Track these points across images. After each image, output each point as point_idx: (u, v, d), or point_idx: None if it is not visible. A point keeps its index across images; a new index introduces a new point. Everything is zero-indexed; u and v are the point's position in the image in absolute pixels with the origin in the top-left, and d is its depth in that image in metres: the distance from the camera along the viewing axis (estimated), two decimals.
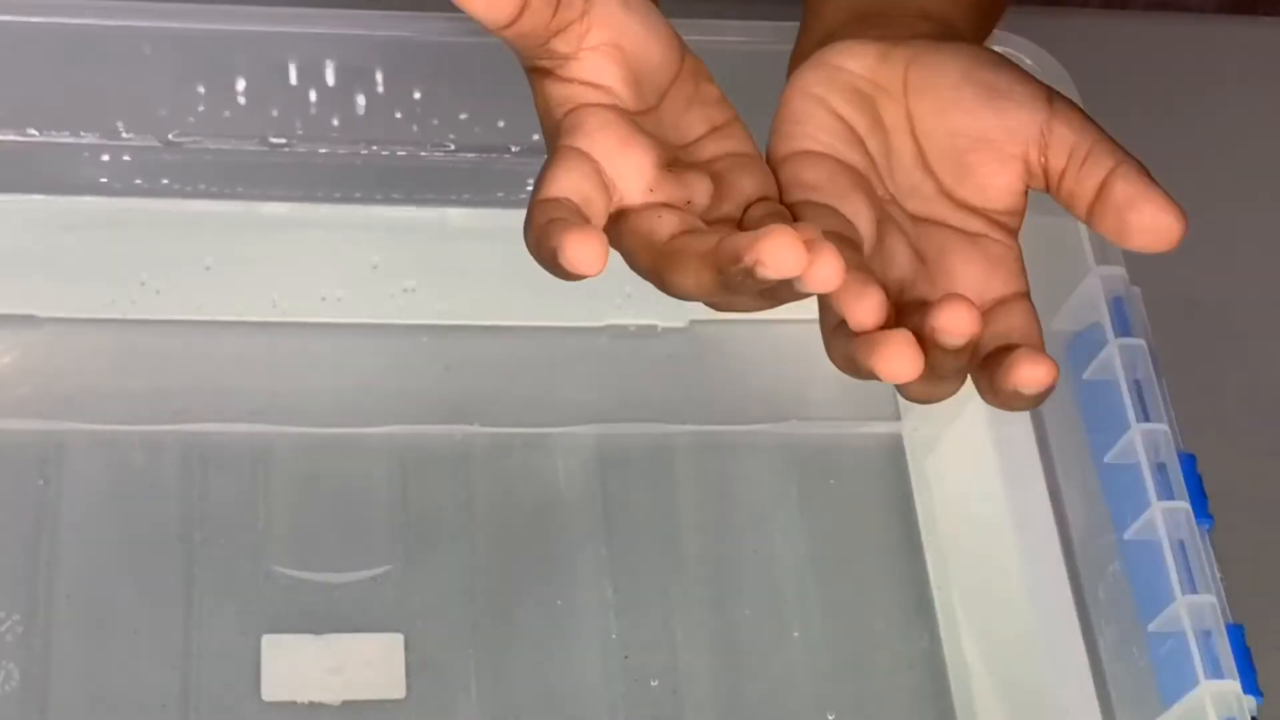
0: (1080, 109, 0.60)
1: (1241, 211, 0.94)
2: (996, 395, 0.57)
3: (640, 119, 0.59)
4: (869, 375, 0.56)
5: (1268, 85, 1.00)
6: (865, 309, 0.55)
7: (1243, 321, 0.91)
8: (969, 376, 0.59)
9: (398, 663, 0.76)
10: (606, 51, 0.58)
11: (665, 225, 0.57)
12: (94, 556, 0.76)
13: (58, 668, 0.74)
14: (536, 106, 0.60)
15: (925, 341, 0.56)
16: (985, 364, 0.58)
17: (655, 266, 0.56)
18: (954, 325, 0.55)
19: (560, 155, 0.57)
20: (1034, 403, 0.57)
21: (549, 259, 0.54)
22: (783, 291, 0.54)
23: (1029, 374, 0.56)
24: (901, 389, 0.59)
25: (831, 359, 0.59)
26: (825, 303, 0.58)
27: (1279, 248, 0.94)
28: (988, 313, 0.59)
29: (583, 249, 0.53)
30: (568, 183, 0.56)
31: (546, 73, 0.59)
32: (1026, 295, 0.60)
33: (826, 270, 0.52)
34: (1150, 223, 0.57)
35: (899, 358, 0.54)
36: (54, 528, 0.77)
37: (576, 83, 0.59)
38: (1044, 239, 0.67)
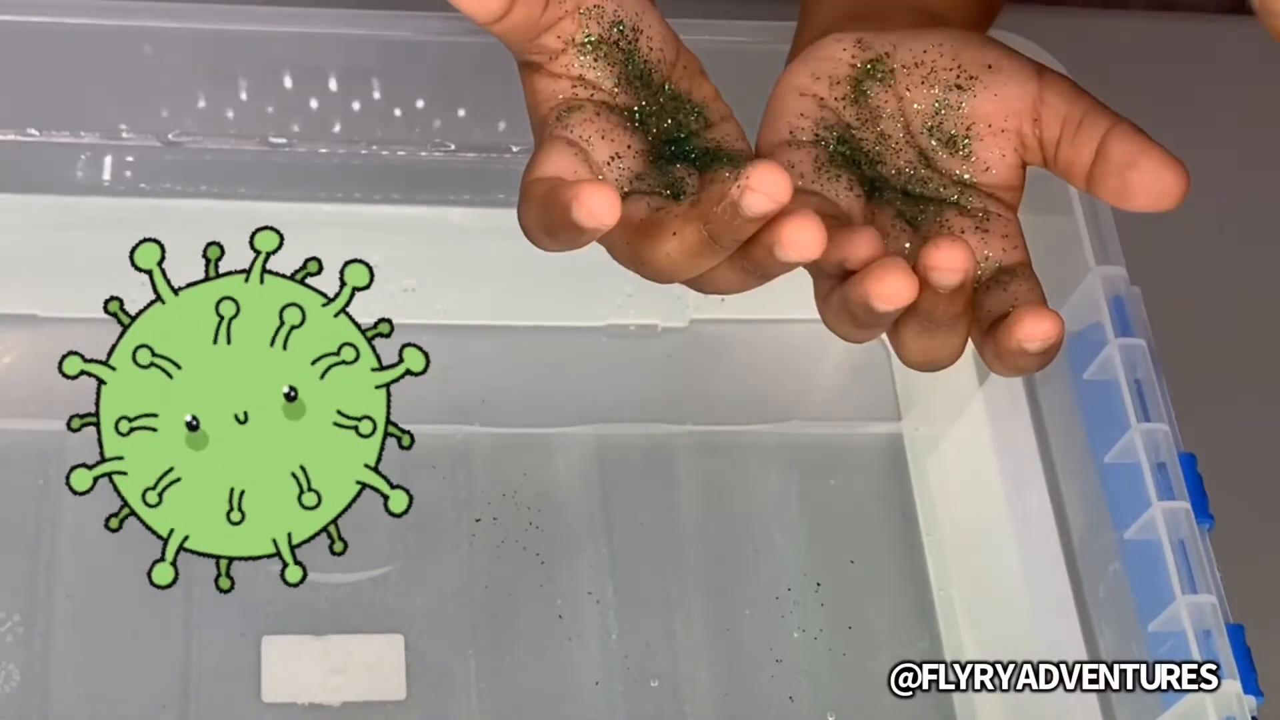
0: (1071, 80, 0.60)
1: (1242, 211, 0.94)
2: (1002, 357, 0.57)
3: (630, 114, 0.59)
4: (863, 311, 0.55)
5: (1268, 85, 1.00)
6: (860, 243, 0.55)
7: (1243, 321, 0.91)
8: (978, 354, 0.59)
9: (398, 664, 0.76)
10: (597, 47, 0.59)
11: (643, 208, 0.57)
12: (94, 556, 0.76)
13: (58, 668, 0.74)
14: (526, 99, 0.60)
15: (920, 284, 0.55)
16: (990, 330, 0.57)
17: (635, 245, 0.56)
18: (947, 260, 0.54)
19: (548, 143, 0.58)
20: (1040, 362, 0.57)
21: (559, 217, 0.53)
22: (765, 259, 0.54)
23: (1033, 328, 0.56)
24: (900, 347, 0.58)
25: (828, 324, 0.58)
26: (819, 271, 0.58)
27: (1279, 247, 0.94)
28: (989, 281, 0.59)
29: (598, 196, 0.52)
30: (557, 166, 0.57)
31: (537, 67, 0.59)
32: (1028, 264, 0.60)
33: (805, 235, 0.52)
34: (1152, 180, 0.56)
35: (891, 279, 0.54)
36: (54, 528, 0.77)
37: (565, 78, 0.59)
38: (1044, 239, 0.67)
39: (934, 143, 0.61)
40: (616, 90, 0.59)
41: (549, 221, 0.55)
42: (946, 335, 0.57)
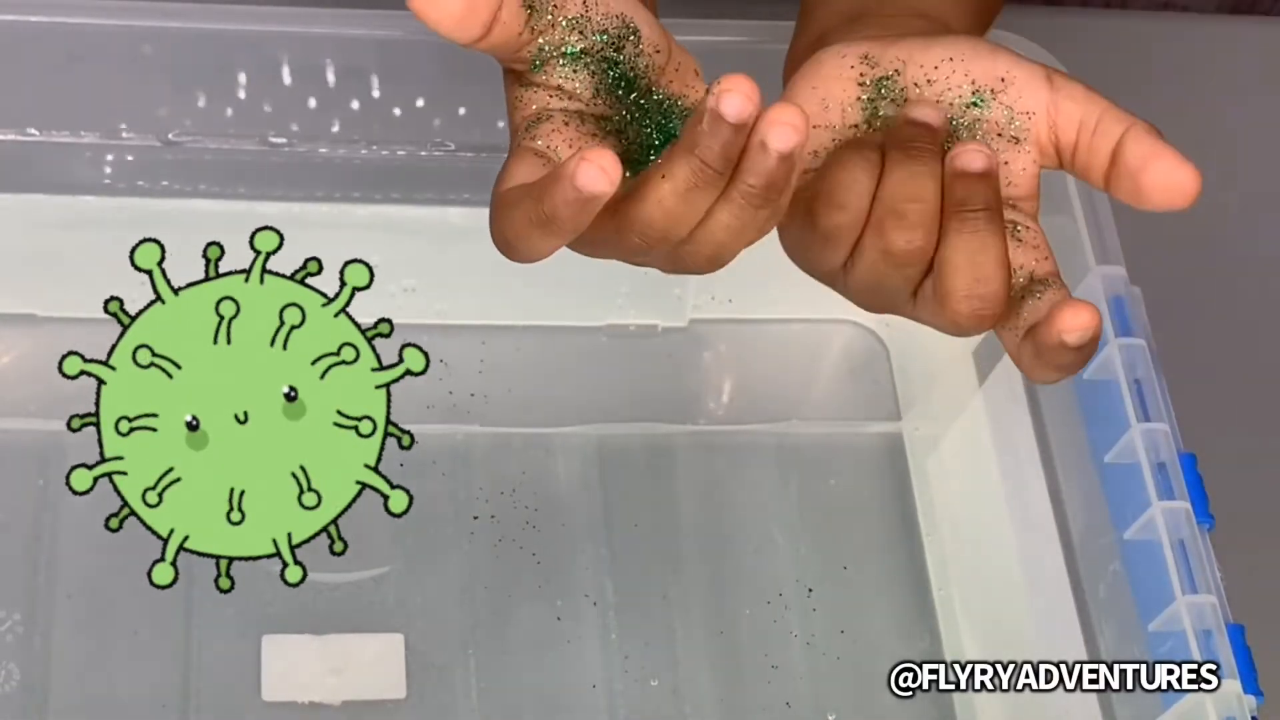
0: (1082, 82, 0.60)
1: (1242, 211, 0.94)
2: (1042, 355, 0.57)
3: (604, 123, 0.59)
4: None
5: (1268, 85, 1.00)
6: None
7: (1243, 321, 0.91)
8: (1016, 364, 0.59)
9: (398, 663, 0.76)
10: (579, 59, 0.59)
11: (620, 189, 0.56)
12: (94, 556, 0.76)
13: (58, 668, 0.74)
14: (505, 103, 0.60)
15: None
16: (1026, 336, 0.58)
17: (623, 212, 0.55)
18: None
19: (516, 154, 0.58)
20: (1079, 358, 0.57)
21: (561, 196, 0.53)
22: (760, 162, 0.54)
23: (1072, 319, 0.56)
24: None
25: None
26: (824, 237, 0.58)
27: (1279, 248, 0.94)
28: (1023, 291, 0.59)
29: (598, 153, 0.52)
30: (524, 178, 0.57)
31: (518, 75, 0.59)
32: (1059, 275, 0.60)
33: (789, 113, 0.53)
34: (1165, 181, 0.57)
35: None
36: (54, 528, 0.77)
37: (543, 88, 0.59)
38: None
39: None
40: (595, 99, 0.59)
41: (538, 214, 0.54)
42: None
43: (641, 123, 0.59)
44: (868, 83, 0.61)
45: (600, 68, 0.59)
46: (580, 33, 0.59)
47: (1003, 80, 0.60)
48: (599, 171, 0.52)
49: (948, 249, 0.58)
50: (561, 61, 0.59)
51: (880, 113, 0.61)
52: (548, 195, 0.54)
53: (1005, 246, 0.58)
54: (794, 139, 0.53)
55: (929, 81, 0.60)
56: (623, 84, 0.59)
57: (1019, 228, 0.60)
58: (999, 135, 0.60)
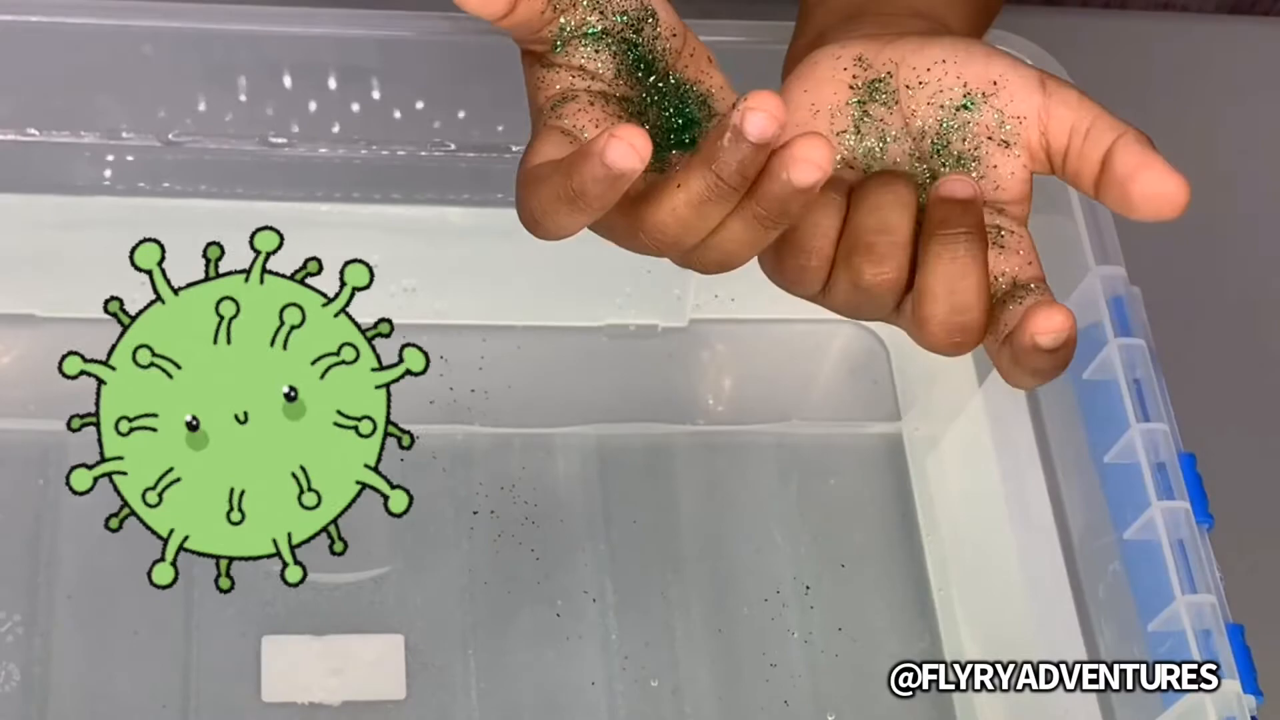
0: (1075, 88, 0.60)
1: (1242, 211, 0.94)
2: (1018, 359, 0.57)
3: (627, 104, 0.59)
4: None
5: (1268, 85, 1.00)
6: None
7: (1243, 321, 0.91)
8: (996, 369, 0.59)
9: (398, 663, 0.76)
10: (600, 39, 0.59)
11: (640, 183, 0.56)
12: (94, 556, 0.76)
13: (58, 668, 0.74)
14: (526, 87, 0.60)
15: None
16: (1005, 341, 0.58)
17: (638, 212, 0.56)
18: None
19: (543, 133, 0.58)
20: (1055, 361, 0.57)
21: (587, 173, 0.53)
22: (777, 191, 0.54)
23: (1045, 321, 0.56)
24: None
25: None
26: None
27: (1278, 247, 0.94)
28: (1005, 296, 0.59)
29: (627, 130, 0.52)
30: (553, 155, 0.57)
31: (538, 56, 0.59)
32: (1043, 279, 0.60)
33: (816, 150, 0.53)
34: (1152, 192, 0.57)
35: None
36: (54, 528, 0.77)
37: (565, 68, 0.59)
38: (1044, 239, 0.67)
39: (943, 165, 0.60)
40: (617, 80, 0.59)
41: (567, 190, 0.54)
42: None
43: (661, 105, 0.60)
44: (859, 85, 0.61)
45: (620, 49, 0.59)
46: (600, 13, 0.59)
47: (995, 83, 0.60)
48: (628, 148, 0.52)
49: (927, 275, 0.58)
50: (583, 41, 0.59)
51: (869, 115, 0.61)
52: (576, 171, 0.54)
53: (986, 275, 0.58)
54: (816, 175, 0.53)
55: (920, 83, 0.60)
56: (642, 66, 0.60)
57: (1004, 233, 0.60)
58: (989, 138, 0.60)
